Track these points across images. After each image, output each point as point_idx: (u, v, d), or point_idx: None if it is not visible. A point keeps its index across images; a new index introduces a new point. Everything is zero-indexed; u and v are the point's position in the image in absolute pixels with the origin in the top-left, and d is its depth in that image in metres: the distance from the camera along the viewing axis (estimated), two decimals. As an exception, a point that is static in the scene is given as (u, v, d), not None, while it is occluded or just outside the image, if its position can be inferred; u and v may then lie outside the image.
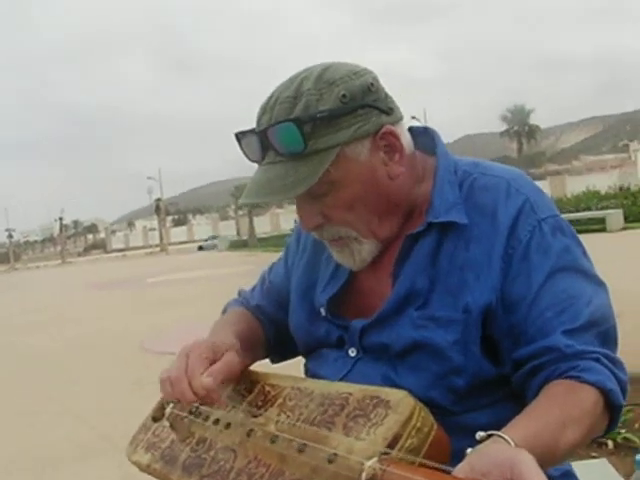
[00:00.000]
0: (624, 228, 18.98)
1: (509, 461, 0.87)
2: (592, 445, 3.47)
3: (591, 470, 1.87)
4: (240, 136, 1.26)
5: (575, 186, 34.69)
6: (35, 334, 11.49)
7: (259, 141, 1.21)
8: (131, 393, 6.20)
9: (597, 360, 1.11)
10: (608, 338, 1.18)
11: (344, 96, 1.17)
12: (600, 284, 1.22)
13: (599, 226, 18.64)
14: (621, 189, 25.47)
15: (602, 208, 21.22)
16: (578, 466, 1.43)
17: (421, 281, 1.24)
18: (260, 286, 1.62)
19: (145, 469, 1.43)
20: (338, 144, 1.17)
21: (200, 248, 58.02)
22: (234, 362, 1.29)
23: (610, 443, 3.45)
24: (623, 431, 3.53)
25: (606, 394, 1.10)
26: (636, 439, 3.44)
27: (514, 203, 1.23)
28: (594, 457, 3.11)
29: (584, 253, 1.25)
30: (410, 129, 1.33)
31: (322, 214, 1.25)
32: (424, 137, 1.35)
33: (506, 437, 0.95)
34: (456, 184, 1.28)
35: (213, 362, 1.25)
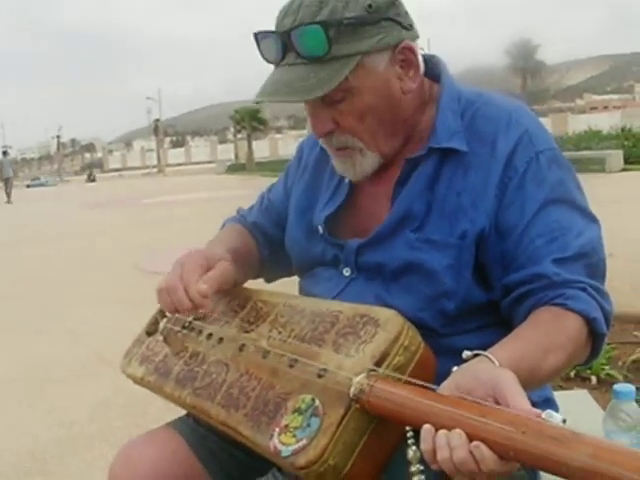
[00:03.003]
0: (623, 169, 18.84)
1: (492, 380, 0.91)
2: (576, 380, 3.56)
3: (571, 400, 1.92)
4: (260, 36, 1.26)
5: (577, 125, 34.36)
6: (30, 251, 11.51)
7: (281, 42, 1.22)
8: (125, 311, 6.25)
9: (584, 290, 1.14)
10: (596, 270, 1.20)
11: (370, 6, 1.19)
12: (592, 218, 1.25)
13: (598, 166, 18.49)
14: (623, 130, 25.20)
15: (603, 148, 21.07)
16: (559, 396, 1.46)
17: (418, 205, 1.26)
18: (259, 204, 1.64)
19: (139, 381, 1.46)
20: (359, 52, 1.19)
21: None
22: (228, 270, 1.34)
23: (593, 378, 3.52)
24: (607, 367, 3.60)
25: (590, 322, 1.13)
26: (619, 375, 3.51)
27: (513, 134, 1.25)
28: (577, 391, 3.18)
29: (578, 187, 1.27)
30: None
31: (334, 120, 1.26)
32: (430, 64, 1.36)
33: (491, 357, 0.98)
34: (459, 113, 1.30)
35: (207, 270, 1.30)
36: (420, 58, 1.28)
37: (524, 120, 1.27)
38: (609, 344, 3.86)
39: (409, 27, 1.25)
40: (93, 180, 51.62)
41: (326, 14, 1.17)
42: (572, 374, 3.57)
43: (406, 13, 1.25)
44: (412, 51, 1.25)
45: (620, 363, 3.73)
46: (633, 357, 3.74)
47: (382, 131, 1.28)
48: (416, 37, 1.28)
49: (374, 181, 1.33)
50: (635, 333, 4.06)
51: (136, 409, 3.81)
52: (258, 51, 1.27)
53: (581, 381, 3.54)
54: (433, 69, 1.36)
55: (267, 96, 1.23)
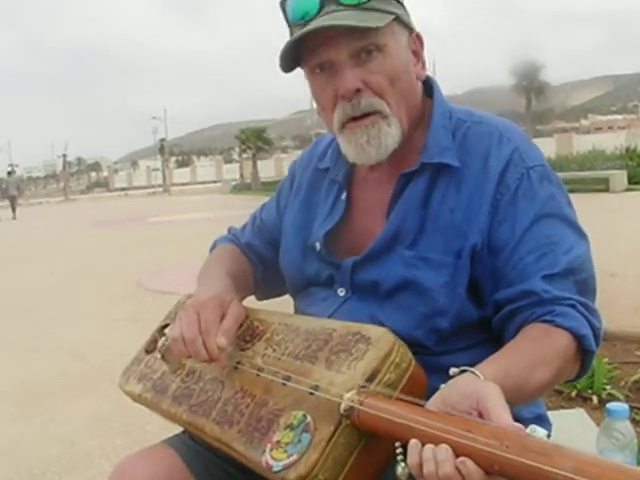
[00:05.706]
0: (627, 189, 18.81)
1: (476, 393, 0.92)
2: (577, 399, 3.55)
3: (568, 419, 1.92)
4: None
5: (582, 145, 34.42)
6: (33, 268, 11.53)
7: None
8: (126, 329, 6.26)
9: (573, 306, 1.16)
10: (586, 287, 1.22)
11: None
12: (582, 234, 1.26)
13: (602, 186, 18.47)
14: (627, 150, 25.19)
15: (607, 168, 21.06)
16: (557, 415, 1.47)
17: (411, 220, 1.28)
18: (251, 225, 1.66)
19: (137, 399, 1.48)
20: (393, 13, 1.24)
21: None
22: (241, 314, 1.33)
23: (595, 398, 3.51)
24: (608, 387, 3.60)
25: (579, 339, 1.15)
26: (620, 395, 3.50)
27: (505, 151, 1.27)
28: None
29: (569, 203, 1.29)
30: None
31: (363, 81, 1.26)
32: (423, 83, 1.39)
33: (476, 372, 0.99)
34: (450, 130, 1.32)
35: (222, 317, 1.29)
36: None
37: (515, 138, 1.30)
38: (611, 364, 3.86)
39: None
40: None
41: None
42: (573, 394, 3.57)
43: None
44: (421, 43, 1.32)
45: (622, 383, 3.72)
46: (635, 377, 3.73)
47: (405, 102, 1.30)
48: None
49: (369, 197, 1.35)
50: (637, 353, 4.05)
51: (136, 426, 3.81)
52: (283, 13, 1.29)
53: (582, 401, 3.53)
54: (426, 86, 1.39)
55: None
